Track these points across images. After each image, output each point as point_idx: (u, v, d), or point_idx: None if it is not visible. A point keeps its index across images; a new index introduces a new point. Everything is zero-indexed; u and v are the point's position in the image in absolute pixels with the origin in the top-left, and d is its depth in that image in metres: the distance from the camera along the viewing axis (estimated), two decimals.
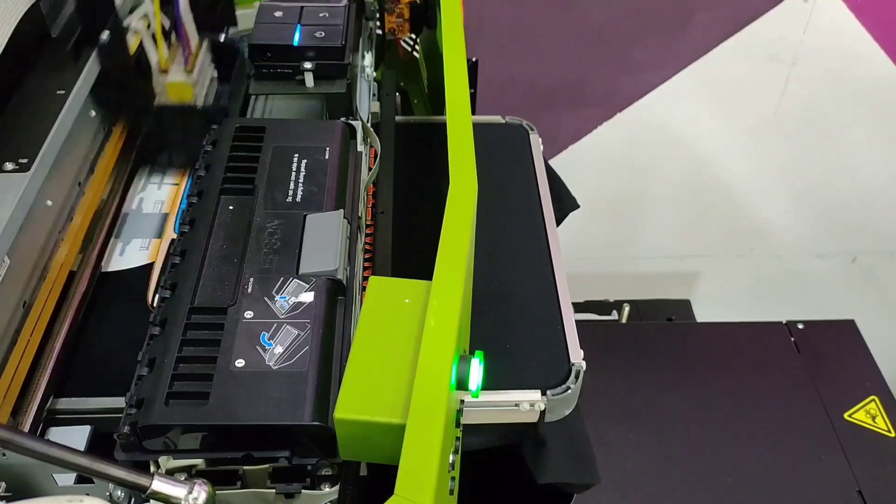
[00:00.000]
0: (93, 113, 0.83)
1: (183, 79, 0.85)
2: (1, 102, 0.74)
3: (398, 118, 1.01)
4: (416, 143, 0.98)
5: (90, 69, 0.81)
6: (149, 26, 0.84)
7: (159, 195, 0.88)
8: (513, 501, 0.95)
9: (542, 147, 1.00)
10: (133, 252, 0.81)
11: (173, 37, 0.87)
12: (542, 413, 0.73)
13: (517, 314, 0.79)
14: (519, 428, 0.76)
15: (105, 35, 0.81)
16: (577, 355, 0.76)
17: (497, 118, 1.04)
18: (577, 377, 0.74)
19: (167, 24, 0.86)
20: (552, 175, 0.99)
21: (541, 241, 0.87)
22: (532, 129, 1.02)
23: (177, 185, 0.89)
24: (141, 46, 0.85)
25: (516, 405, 0.73)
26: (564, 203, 1.00)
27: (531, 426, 0.75)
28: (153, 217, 0.85)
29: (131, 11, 0.85)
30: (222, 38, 0.92)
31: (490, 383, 0.72)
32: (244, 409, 0.55)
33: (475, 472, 0.94)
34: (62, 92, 0.76)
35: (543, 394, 0.73)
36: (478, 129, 1.01)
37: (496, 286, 0.82)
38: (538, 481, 0.76)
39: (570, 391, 0.73)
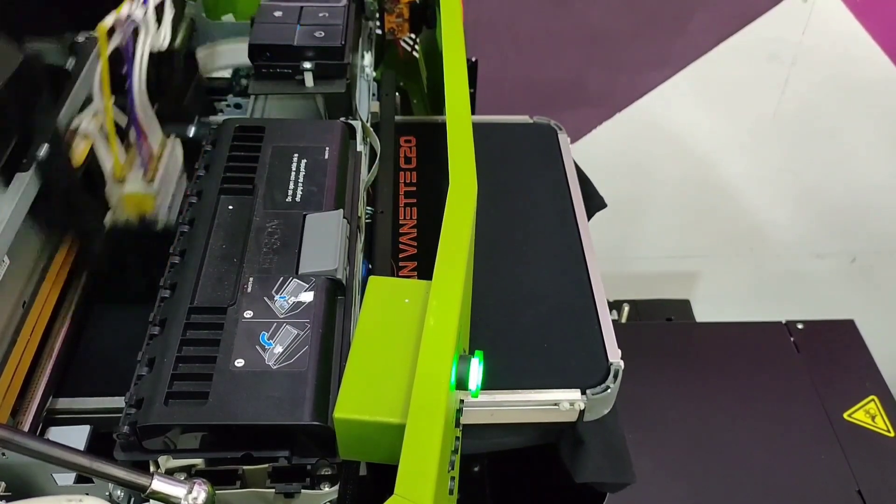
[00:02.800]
0: None
1: (142, 189, 0.73)
2: None
3: (397, 118, 1.01)
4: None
5: (28, 188, 0.67)
6: (101, 127, 0.71)
7: None
8: (544, 501, 0.95)
9: (570, 146, 1.00)
10: None
11: (132, 134, 0.74)
12: (582, 412, 0.73)
13: (553, 313, 0.80)
14: (557, 427, 0.76)
15: (44, 150, 0.67)
16: (615, 354, 0.76)
17: (525, 118, 1.05)
18: (615, 377, 0.74)
19: (124, 121, 0.73)
20: (580, 174, 0.99)
21: (574, 240, 0.88)
22: (560, 129, 1.02)
23: None
24: (91, 152, 0.71)
25: (556, 404, 0.73)
26: (592, 202, 1.00)
27: (569, 425, 0.75)
28: None
29: (82, 109, 0.73)
30: (191, 132, 0.82)
31: (529, 382, 0.73)
32: (244, 408, 0.55)
33: (507, 472, 0.94)
34: None
35: (583, 393, 0.73)
36: (506, 128, 1.03)
37: (531, 286, 0.82)
38: (576, 480, 0.76)
39: (609, 390, 0.73)
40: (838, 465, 1.22)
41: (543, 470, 0.91)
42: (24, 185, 0.66)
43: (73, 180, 0.70)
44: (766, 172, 1.93)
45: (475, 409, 0.73)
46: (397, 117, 1.13)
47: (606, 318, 0.79)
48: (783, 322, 1.44)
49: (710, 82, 1.77)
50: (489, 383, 0.73)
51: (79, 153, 0.71)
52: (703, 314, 1.67)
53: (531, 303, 0.81)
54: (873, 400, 1.32)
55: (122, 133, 0.73)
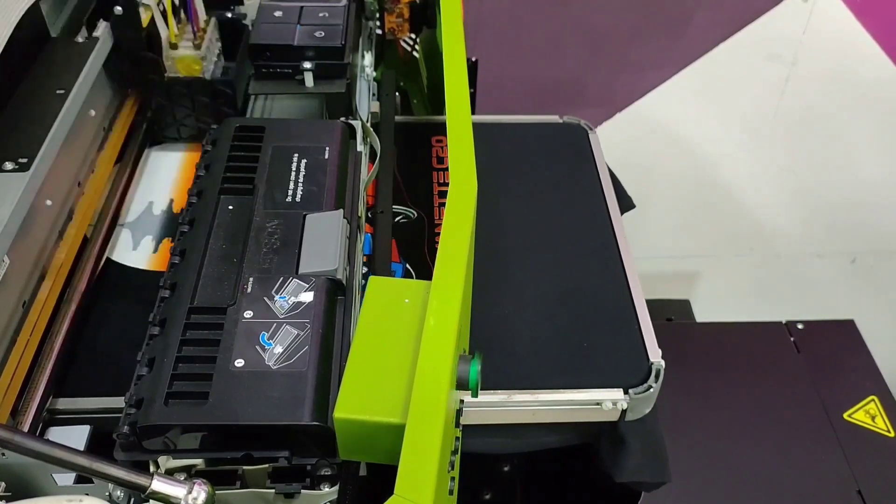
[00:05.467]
0: (93, 112, 0.83)
1: (192, 53, 0.89)
2: (1, 102, 0.74)
3: (397, 118, 1.01)
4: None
5: (101, 46, 0.83)
6: (159, 2, 0.88)
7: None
8: (575, 500, 0.95)
9: (602, 146, 1.01)
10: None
11: (182, 14, 0.91)
12: (623, 412, 0.74)
13: (593, 313, 0.80)
14: (597, 427, 0.76)
15: (118, 8, 0.84)
16: (655, 354, 0.77)
17: (554, 118, 1.05)
18: (657, 376, 0.74)
19: (177, 0, 0.91)
20: (610, 174, 0.99)
21: (609, 239, 0.88)
22: (591, 129, 1.03)
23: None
24: (152, 21, 0.87)
25: (598, 404, 0.73)
26: (622, 202, 1.01)
27: (610, 425, 0.76)
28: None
29: None
30: (229, 15, 0.96)
31: (571, 382, 0.74)
32: (244, 408, 0.55)
33: (537, 471, 0.94)
34: (62, 91, 0.76)
35: (626, 392, 0.73)
36: (535, 128, 1.04)
37: (569, 286, 0.83)
38: (616, 480, 0.77)
39: (651, 390, 0.74)
40: (838, 465, 1.22)
41: (574, 469, 0.91)
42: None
43: (140, 37, 0.86)
44: (766, 172, 1.93)
45: (517, 408, 0.73)
46: (430, 117, 1.13)
47: (645, 317, 0.80)
48: (783, 322, 1.44)
49: (710, 82, 1.77)
50: (530, 383, 0.73)
51: (143, 20, 0.86)
52: (703, 314, 1.67)
53: (569, 302, 0.81)
54: (873, 400, 1.32)
55: (174, 9, 0.90)
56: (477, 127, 1.02)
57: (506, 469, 0.91)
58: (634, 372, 0.75)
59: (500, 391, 0.73)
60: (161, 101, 0.91)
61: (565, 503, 0.98)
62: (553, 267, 0.84)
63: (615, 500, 0.86)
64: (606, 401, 0.73)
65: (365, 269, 0.81)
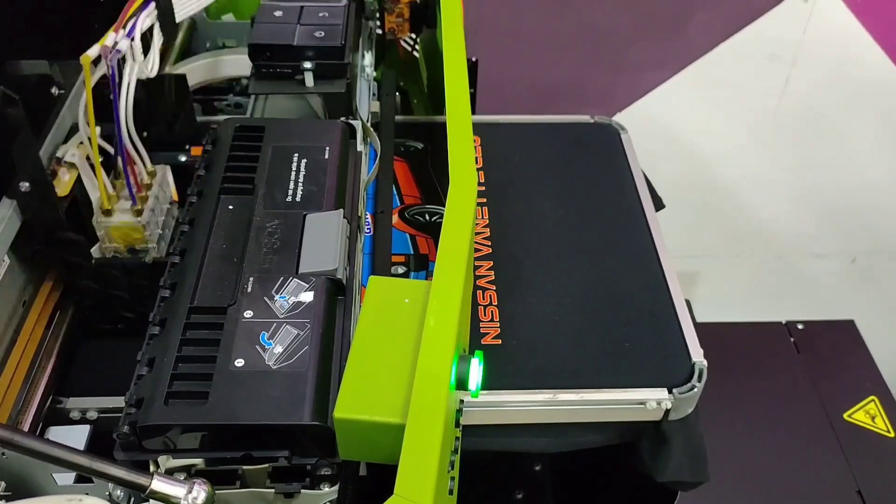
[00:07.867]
0: None
1: (130, 220, 0.70)
2: None
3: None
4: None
5: (9, 222, 0.66)
6: (88, 157, 0.69)
7: None
8: (607, 500, 0.95)
9: (634, 147, 1.01)
10: None
11: (120, 164, 0.70)
12: (667, 412, 0.74)
13: (633, 312, 0.80)
14: (639, 426, 0.76)
15: (24, 185, 0.65)
16: (697, 353, 0.76)
17: (585, 118, 1.05)
18: (700, 376, 0.74)
19: (112, 149, 0.70)
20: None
21: (645, 238, 0.88)
22: (623, 129, 1.03)
23: None
24: (78, 181, 0.70)
25: (642, 403, 0.73)
26: (653, 202, 1.01)
27: (652, 424, 0.76)
28: None
29: (66, 139, 0.73)
30: (182, 158, 0.81)
31: (615, 381, 0.74)
32: (244, 408, 0.55)
33: (568, 471, 0.95)
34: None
35: (670, 392, 0.73)
36: (567, 128, 1.04)
37: (609, 284, 0.83)
38: (657, 479, 0.77)
39: (695, 390, 0.74)
40: (838, 465, 1.22)
41: (605, 469, 0.91)
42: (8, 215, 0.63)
43: (57, 215, 0.67)
44: (766, 172, 1.93)
45: (562, 407, 0.73)
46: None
47: (686, 317, 0.80)
48: (783, 322, 1.44)
49: (710, 82, 1.77)
50: (574, 382, 0.73)
51: (64, 184, 0.68)
52: (703, 314, 1.67)
53: (610, 301, 0.81)
54: (873, 400, 1.32)
55: (109, 162, 0.70)
56: (507, 127, 1.03)
57: (537, 468, 0.92)
58: (678, 371, 0.75)
59: (544, 390, 0.73)
60: (90, 286, 0.70)
61: (596, 503, 0.98)
62: (592, 266, 0.84)
63: (646, 500, 0.86)
64: (651, 400, 0.73)
65: (403, 269, 0.80)
